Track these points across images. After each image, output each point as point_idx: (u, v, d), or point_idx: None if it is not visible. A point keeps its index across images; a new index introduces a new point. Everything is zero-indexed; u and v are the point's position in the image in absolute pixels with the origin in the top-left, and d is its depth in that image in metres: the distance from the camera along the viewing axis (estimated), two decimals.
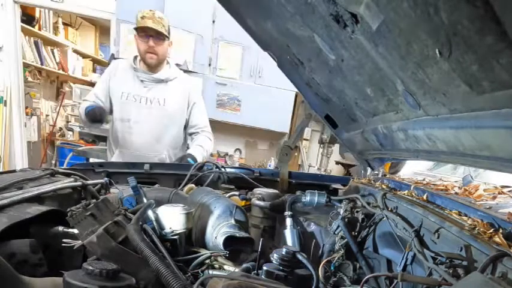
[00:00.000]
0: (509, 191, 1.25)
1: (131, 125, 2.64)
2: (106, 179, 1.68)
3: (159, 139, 2.68)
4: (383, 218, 1.28)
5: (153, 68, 2.65)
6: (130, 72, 2.66)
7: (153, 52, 2.58)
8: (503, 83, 0.71)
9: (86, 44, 7.50)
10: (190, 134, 2.82)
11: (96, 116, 2.51)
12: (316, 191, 1.57)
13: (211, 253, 1.23)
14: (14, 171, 1.42)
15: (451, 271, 0.80)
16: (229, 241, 1.25)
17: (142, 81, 2.64)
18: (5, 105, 5.02)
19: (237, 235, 1.27)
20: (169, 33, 2.60)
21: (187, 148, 2.82)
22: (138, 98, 2.64)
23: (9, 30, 4.96)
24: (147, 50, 2.57)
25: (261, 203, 1.61)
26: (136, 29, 2.54)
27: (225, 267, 1.19)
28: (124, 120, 2.66)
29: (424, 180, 1.66)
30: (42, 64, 6.20)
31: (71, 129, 6.70)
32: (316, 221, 1.52)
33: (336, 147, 5.17)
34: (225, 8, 1.68)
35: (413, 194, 1.31)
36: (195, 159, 2.48)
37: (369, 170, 2.14)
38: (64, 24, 6.93)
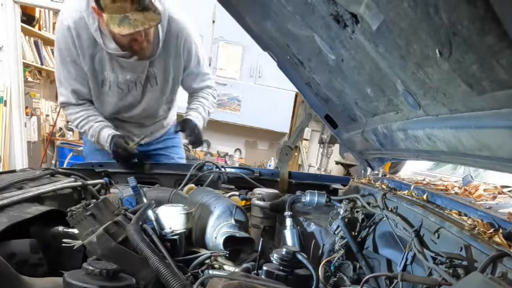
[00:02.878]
0: (509, 191, 1.25)
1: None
2: (106, 179, 1.68)
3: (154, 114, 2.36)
4: (383, 218, 1.28)
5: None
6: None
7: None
8: (503, 83, 0.71)
9: None
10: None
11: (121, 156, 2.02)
12: (316, 191, 1.57)
13: (211, 253, 1.23)
14: (14, 171, 1.42)
15: (451, 271, 0.80)
16: (229, 241, 1.25)
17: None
18: (5, 105, 5.02)
19: (237, 235, 1.27)
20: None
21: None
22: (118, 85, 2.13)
23: (9, 30, 4.95)
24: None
25: (261, 203, 1.61)
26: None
27: (225, 267, 1.19)
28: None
29: (424, 180, 1.66)
30: (42, 64, 6.20)
31: (71, 129, 6.70)
32: (316, 221, 1.52)
33: (336, 147, 5.18)
34: (225, 8, 1.68)
35: (413, 194, 1.31)
36: (194, 128, 2.18)
37: (369, 170, 2.14)
38: None
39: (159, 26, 1.94)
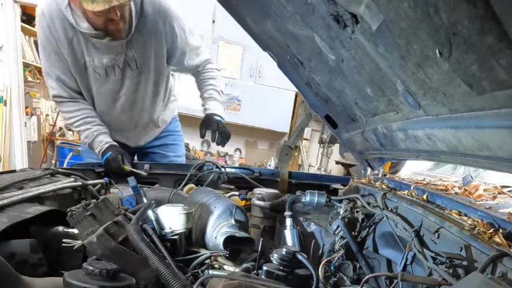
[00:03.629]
0: (509, 191, 1.26)
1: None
2: (106, 179, 1.68)
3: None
4: (383, 218, 1.28)
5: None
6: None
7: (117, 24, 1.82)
8: (503, 83, 0.71)
9: None
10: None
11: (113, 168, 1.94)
12: (316, 191, 1.57)
13: (211, 253, 1.23)
14: (14, 171, 1.42)
15: (451, 271, 0.80)
16: (229, 241, 1.25)
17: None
18: (5, 105, 5.02)
19: (237, 235, 1.27)
20: None
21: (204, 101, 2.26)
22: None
23: (9, 30, 4.95)
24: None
25: (261, 203, 1.61)
26: None
27: (225, 267, 1.19)
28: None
29: (424, 180, 1.66)
30: None
31: (71, 129, 6.70)
32: (316, 221, 1.52)
33: (336, 147, 5.18)
34: (225, 8, 1.68)
35: (413, 194, 1.31)
36: (217, 125, 2.10)
37: (369, 170, 2.14)
38: None
39: (131, 2, 1.82)
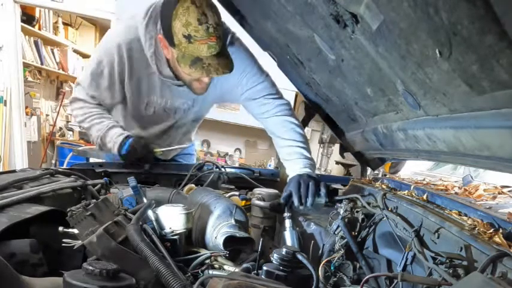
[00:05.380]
0: (509, 191, 1.26)
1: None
2: (106, 179, 1.68)
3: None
4: (383, 218, 1.28)
5: None
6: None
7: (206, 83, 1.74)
8: (503, 83, 0.71)
9: (86, 44, 7.49)
10: None
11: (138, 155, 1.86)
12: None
13: (211, 253, 1.23)
14: (14, 171, 1.42)
15: (451, 271, 0.80)
16: (229, 241, 1.25)
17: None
18: (5, 105, 5.02)
19: (237, 235, 1.27)
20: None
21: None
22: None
23: (9, 30, 4.95)
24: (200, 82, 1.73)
25: (261, 203, 1.61)
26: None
27: (225, 267, 1.19)
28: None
29: (424, 180, 1.66)
30: (42, 64, 6.20)
31: (71, 129, 6.70)
32: (316, 221, 1.52)
33: (336, 147, 5.17)
34: (225, 8, 1.68)
35: (413, 194, 1.31)
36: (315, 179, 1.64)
37: (369, 170, 2.14)
38: (64, 24, 6.92)
39: None
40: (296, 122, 1.84)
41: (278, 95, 1.88)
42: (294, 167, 1.71)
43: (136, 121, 2.03)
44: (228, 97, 2.02)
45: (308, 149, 1.79)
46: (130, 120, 2.03)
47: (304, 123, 2.09)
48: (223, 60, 1.56)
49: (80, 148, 4.91)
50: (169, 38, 1.55)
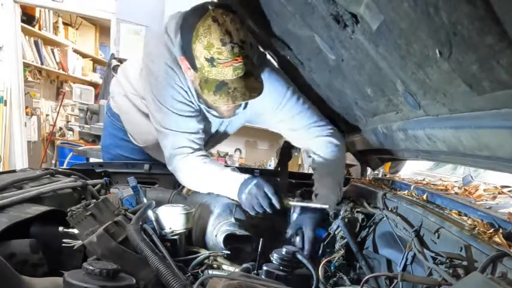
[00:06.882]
0: (509, 191, 1.26)
1: None
2: (106, 179, 1.68)
3: None
4: (383, 218, 1.28)
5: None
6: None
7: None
8: (503, 83, 0.71)
9: (86, 44, 7.50)
10: None
11: None
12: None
13: (210, 253, 1.23)
14: (14, 171, 1.42)
15: (451, 271, 0.80)
16: (230, 239, 1.26)
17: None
18: (5, 105, 5.02)
19: (237, 233, 1.28)
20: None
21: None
22: None
23: (9, 30, 4.95)
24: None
25: None
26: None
27: (225, 267, 1.19)
28: None
29: (424, 180, 1.66)
30: (42, 64, 6.20)
31: (71, 129, 6.69)
32: None
33: None
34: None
35: (413, 194, 1.31)
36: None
37: (369, 170, 2.14)
38: (64, 24, 6.92)
39: None
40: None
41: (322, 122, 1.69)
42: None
43: None
44: (261, 121, 1.79)
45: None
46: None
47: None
48: (251, 83, 1.38)
49: (80, 148, 4.90)
50: (191, 60, 1.38)
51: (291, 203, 1.43)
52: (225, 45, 1.30)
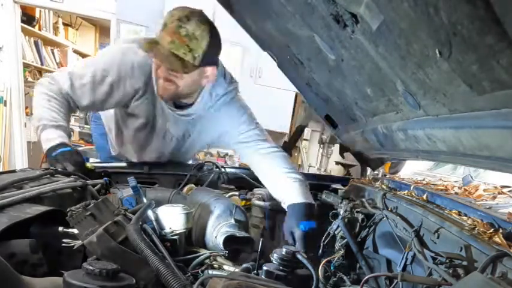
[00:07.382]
0: (509, 191, 1.26)
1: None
2: (106, 179, 1.68)
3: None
4: (383, 218, 1.28)
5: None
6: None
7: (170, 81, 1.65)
8: (503, 83, 0.71)
9: (86, 44, 7.50)
10: None
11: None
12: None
13: (210, 253, 1.23)
14: (14, 171, 1.42)
15: (451, 271, 0.80)
16: (229, 240, 1.25)
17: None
18: (5, 105, 5.01)
19: (237, 235, 1.27)
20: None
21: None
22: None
23: (9, 30, 4.95)
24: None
25: (261, 203, 1.61)
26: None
27: (225, 267, 1.19)
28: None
29: (424, 180, 1.66)
30: (42, 64, 6.19)
31: (71, 129, 6.69)
32: None
33: (336, 147, 5.17)
34: (225, 8, 1.68)
35: (413, 194, 1.31)
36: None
37: (369, 170, 2.14)
38: (64, 24, 6.92)
39: (207, 93, 1.77)
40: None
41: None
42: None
43: (132, 139, 1.97)
44: (221, 142, 1.99)
45: None
46: (123, 137, 1.99)
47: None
48: (179, 59, 1.51)
49: (80, 148, 4.90)
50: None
51: (90, 165, 1.69)
52: (181, 27, 1.48)
